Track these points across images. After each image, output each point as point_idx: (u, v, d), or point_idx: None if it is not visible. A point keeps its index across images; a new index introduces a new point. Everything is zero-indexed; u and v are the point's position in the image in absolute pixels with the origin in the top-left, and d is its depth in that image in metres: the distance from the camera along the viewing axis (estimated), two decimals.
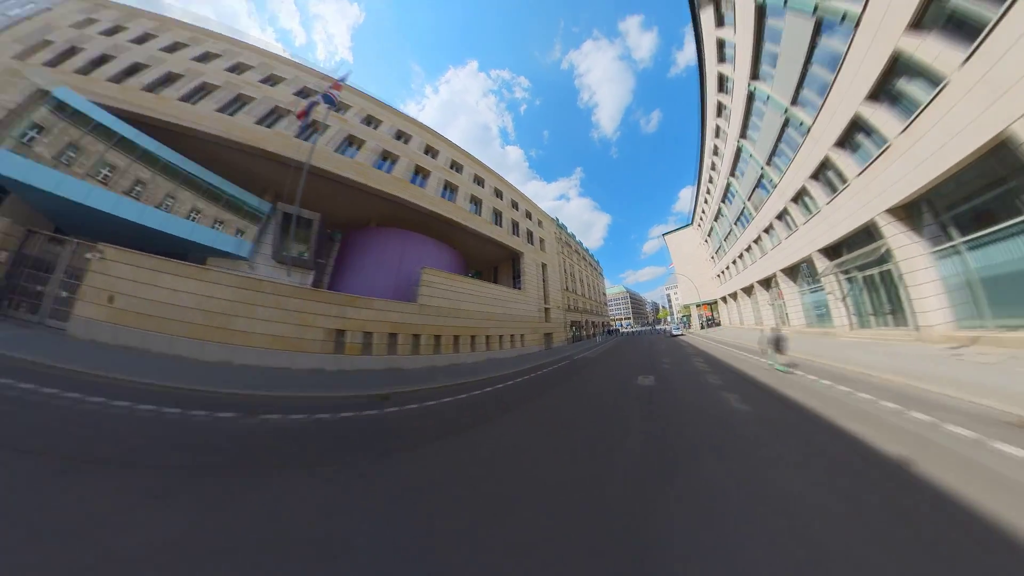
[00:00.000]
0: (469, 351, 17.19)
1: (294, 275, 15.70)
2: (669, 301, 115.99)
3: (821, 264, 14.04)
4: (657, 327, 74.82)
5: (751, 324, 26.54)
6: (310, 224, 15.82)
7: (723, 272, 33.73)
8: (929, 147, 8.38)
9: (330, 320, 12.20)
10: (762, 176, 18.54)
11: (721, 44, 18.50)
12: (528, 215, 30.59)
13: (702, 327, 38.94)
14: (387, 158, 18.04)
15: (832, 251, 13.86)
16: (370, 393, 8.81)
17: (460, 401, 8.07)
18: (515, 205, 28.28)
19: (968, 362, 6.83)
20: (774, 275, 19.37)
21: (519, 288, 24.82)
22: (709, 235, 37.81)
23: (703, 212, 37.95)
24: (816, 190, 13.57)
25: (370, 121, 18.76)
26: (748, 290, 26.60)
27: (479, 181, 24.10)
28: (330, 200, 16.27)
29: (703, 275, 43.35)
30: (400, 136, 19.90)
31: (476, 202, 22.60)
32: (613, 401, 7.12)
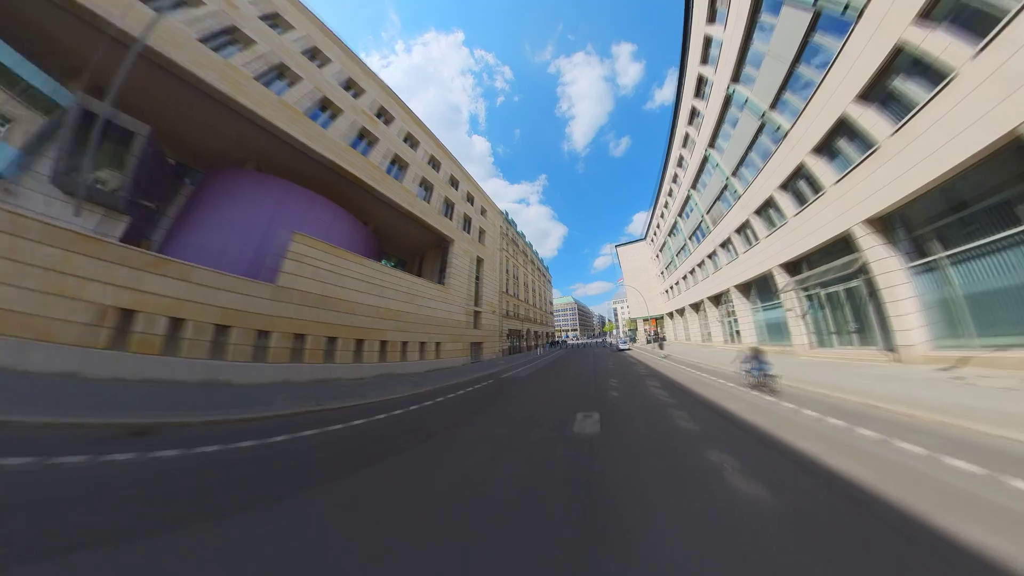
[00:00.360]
0: (352, 361, 13.12)
1: (91, 217, 10.57)
2: (615, 315, 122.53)
3: (782, 280, 13.69)
4: (603, 340, 76.61)
5: (698, 341, 27.15)
6: (130, 139, 10.77)
7: (672, 287, 34.84)
8: (925, 148, 7.70)
9: (112, 292, 7.71)
10: (725, 187, 18.44)
11: (708, 41, 18.03)
12: (470, 199, 27.69)
13: (648, 342, 39.79)
14: (283, 76, 13.64)
15: (792, 267, 13.59)
16: (123, 421, 4.95)
17: (254, 453, 4.66)
18: (455, 183, 25.19)
19: (981, 388, 5.87)
20: (727, 291, 19.38)
21: (442, 283, 21.57)
22: (661, 250, 39.13)
23: (658, 226, 39.16)
24: (784, 200, 13.18)
25: (274, 22, 14.08)
26: (697, 306, 27.24)
27: (411, 142, 20.55)
28: (180, 114, 11.43)
29: (651, 290, 45.18)
30: (314, 56, 15.53)
31: (401, 165, 18.95)
32: (529, 473, 3.89)
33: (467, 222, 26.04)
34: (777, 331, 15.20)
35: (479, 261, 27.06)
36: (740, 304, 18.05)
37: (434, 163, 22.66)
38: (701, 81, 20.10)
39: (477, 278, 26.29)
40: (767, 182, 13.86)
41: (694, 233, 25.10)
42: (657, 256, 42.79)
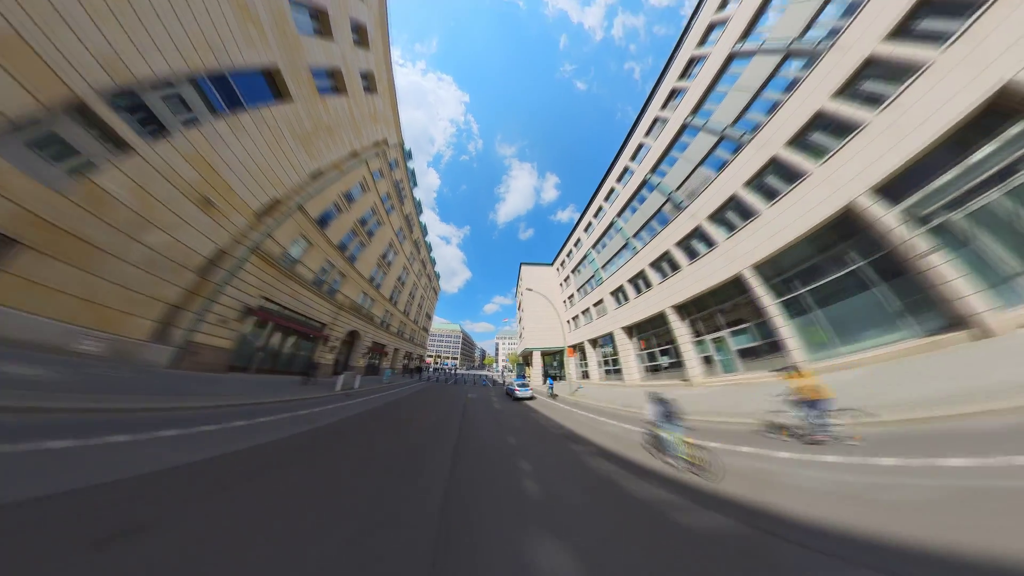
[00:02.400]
0: None
1: None
2: (496, 350, 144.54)
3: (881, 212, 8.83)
4: (485, 376, 67.54)
5: (636, 379, 22.30)
6: None
7: (590, 309, 30.80)
8: None
9: None
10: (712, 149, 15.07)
11: (655, 121, 22.52)
12: None
13: (551, 381, 29.15)
14: None
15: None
16: None
17: None
18: None
19: None
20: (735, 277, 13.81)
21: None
22: (574, 272, 36.73)
23: (576, 242, 36.70)
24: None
25: None
26: (630, 331, 23.37)
27: None
28: None
29: (550, 319, 41.46)
30: None
31: None
32: None
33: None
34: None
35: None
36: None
37: None
38: (640, 147, 21.67)
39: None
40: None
41: (634, 237, 21.70)
42: (567, 280, 40.09)
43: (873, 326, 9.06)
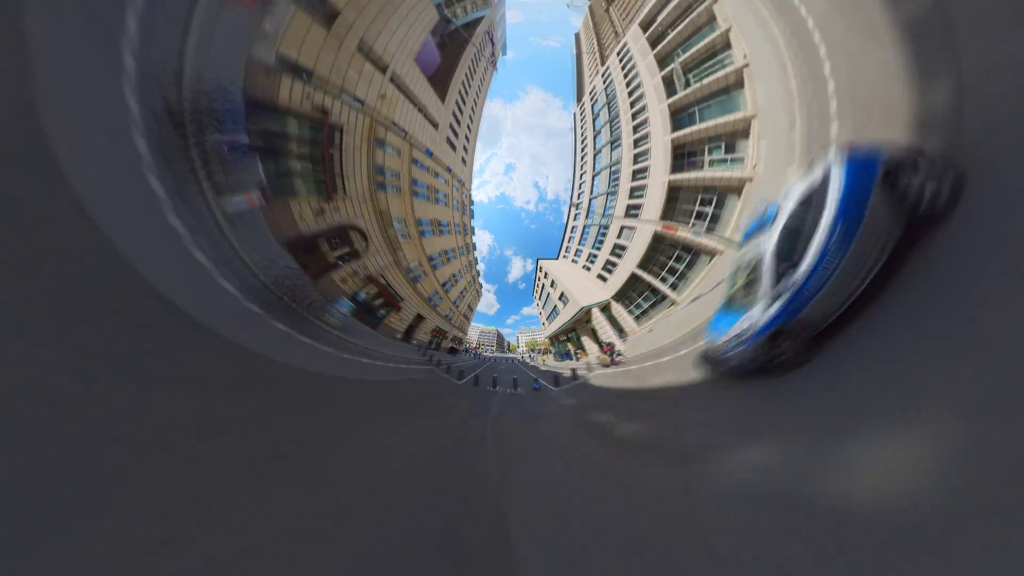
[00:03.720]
0: None
1: None
2: (517, 340, 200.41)
3: None
4: (512, 356, 75.55)
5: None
6: None
7: (615, 251, 29.11)
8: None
9: None
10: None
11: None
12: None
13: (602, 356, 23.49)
14: None
15: None
16: None
17: None
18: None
19: None
20: None
21: None
22: (581, 242, 46.27)
23: (572, 229, 49.05)
24: None
25: None
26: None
27: None
28: None
29: (584, 281, 38.74)
30: None
31: None
32: None
33: None
34: None
35: None
36: None
37: None
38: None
39: None
40: None
41: None
42: (578, 253, 46.00)
43: None
